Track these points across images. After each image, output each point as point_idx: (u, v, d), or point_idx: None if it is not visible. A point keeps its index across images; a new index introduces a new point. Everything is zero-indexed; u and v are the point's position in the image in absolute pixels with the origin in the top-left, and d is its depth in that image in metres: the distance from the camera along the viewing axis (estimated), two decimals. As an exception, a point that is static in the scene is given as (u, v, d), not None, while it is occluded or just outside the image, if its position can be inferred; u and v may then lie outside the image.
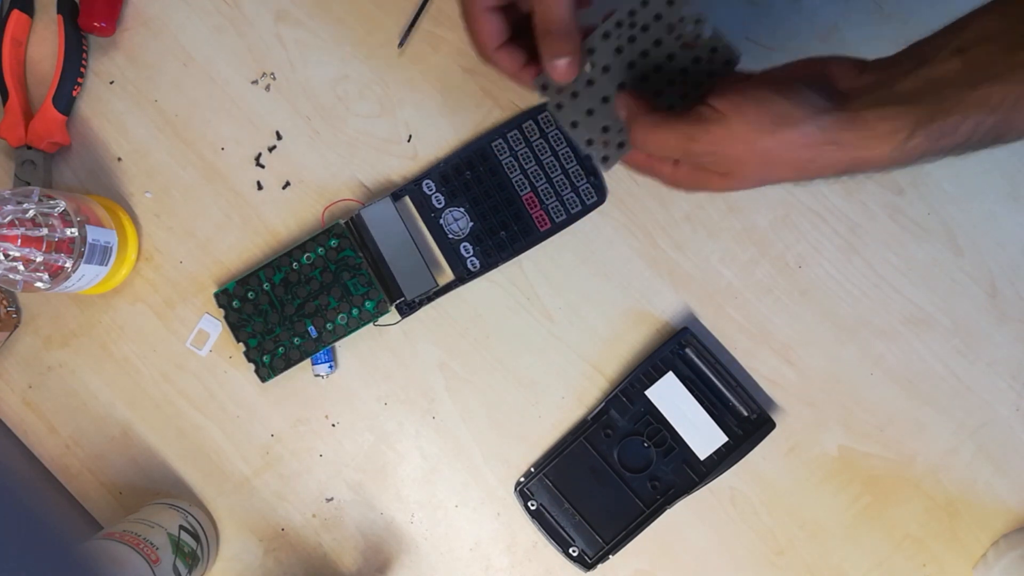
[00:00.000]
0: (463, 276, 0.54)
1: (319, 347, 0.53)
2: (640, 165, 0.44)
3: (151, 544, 0.47)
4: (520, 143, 0.53)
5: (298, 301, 0.53)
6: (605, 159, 0.44)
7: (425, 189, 0.53)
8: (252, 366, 0.53)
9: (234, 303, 0.53)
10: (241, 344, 0.53)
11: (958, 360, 0.54)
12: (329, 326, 0.53)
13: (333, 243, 0.53)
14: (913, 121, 0.35)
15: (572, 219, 0.53)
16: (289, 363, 0.53)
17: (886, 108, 0.35)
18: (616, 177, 0.54)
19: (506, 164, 0.53)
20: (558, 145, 0.53)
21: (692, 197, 0.54)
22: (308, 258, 0.53)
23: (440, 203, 0.53)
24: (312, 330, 0.53)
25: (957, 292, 0.54)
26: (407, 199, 0.54)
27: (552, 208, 0.53)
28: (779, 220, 0.54)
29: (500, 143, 0.53)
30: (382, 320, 0.53)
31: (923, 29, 0.39)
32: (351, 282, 0.53)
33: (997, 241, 0.53)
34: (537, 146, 0.53)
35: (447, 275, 0.54)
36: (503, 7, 0.42)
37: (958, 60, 0.35)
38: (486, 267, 0.53)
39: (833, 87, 0.38)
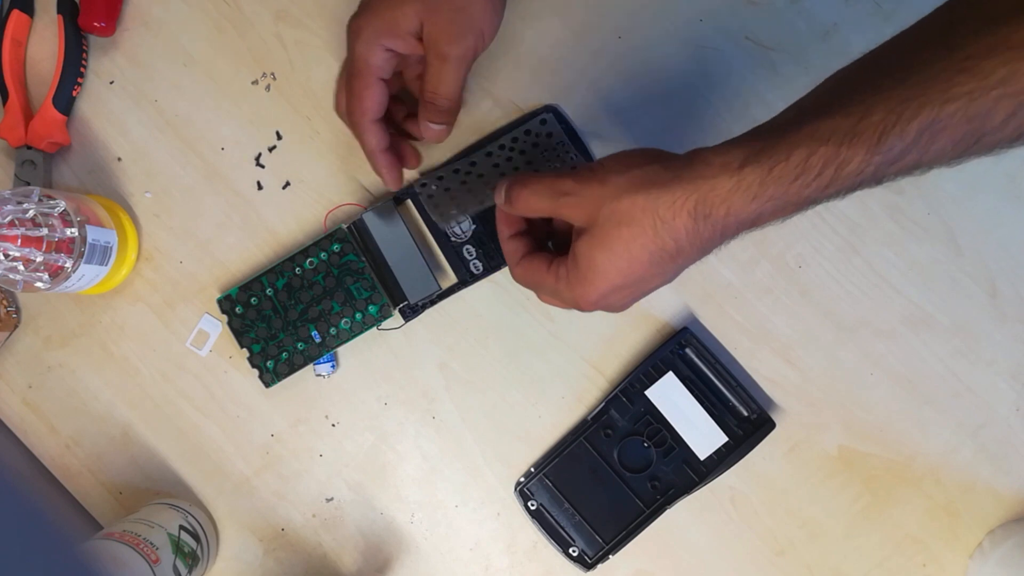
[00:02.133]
0: (466, 279, 0.54)
1: (323, 352, 0.53)
2: (527, 277, 0.46)
3: (151, 544, 0.47)
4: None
5: (301, 306, 0.53)
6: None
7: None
8: (255, 371, 0.53)
9: (237, 309, 0.53)
10: (244, 350, 0.53)
11: (958, 360, 0.54)
12: (332, 331, 0.53)
13: (336, 247, 0.53)
14: (743, 153, 0.37)
15: (572, 219, 0.53)
16: (293, 368, 0.53)
17: (721, 147, 0.38)
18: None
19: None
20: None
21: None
22: (311, 263, 0.53)
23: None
24: (315, 335, 0.53)
25: (957, 292, 0.54)
26: (409, 202, 0.54)
27: (552, 208, 0.53)
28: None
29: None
30: (385, 324, 0.53)
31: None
32: (354, 286, 0.53)
33: (997, 241, 0.53)
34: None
35: (450, 278, 0.54)
36: (387, 79, 0.48)
37: (793, 110, 0.38)
38: (489, 270, 0.53)
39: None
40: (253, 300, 0.53)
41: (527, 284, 0.46)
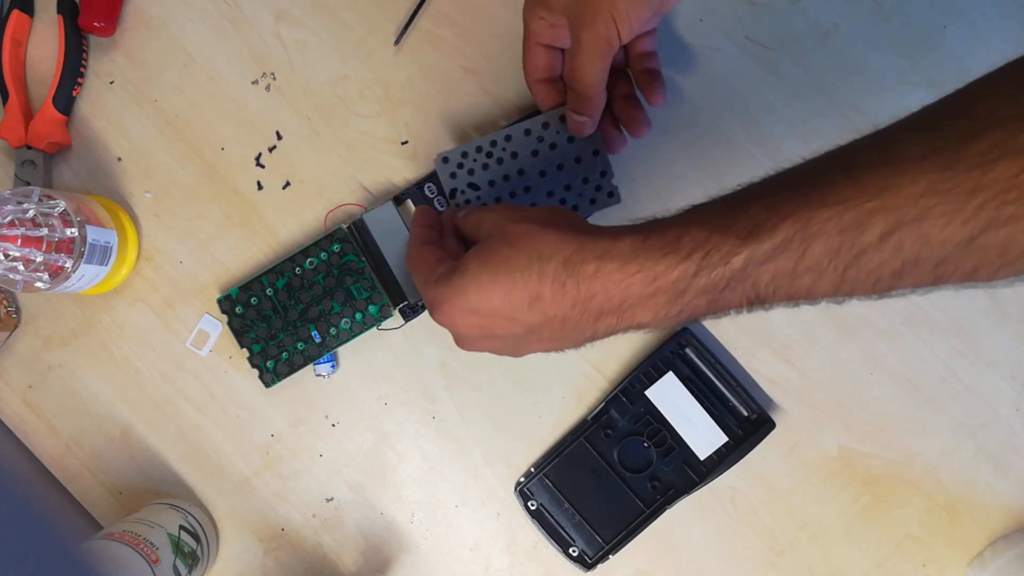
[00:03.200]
0: (464, 276, 0.53)
1: (323, 352, 0.53)
2: None
3: (151, 544, 0.47)
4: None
5: (301, 306, 0.53)
6: None
7: (427, 192, 0.53)
8: (255, 371, 0.53)
9: (237, 308, 0.53)
10: (244, 350, 0.53)
11: (958, 360, 0.54)
12: (332, 331, 0.53)
13: (336, 247, 0.53)
14: (632, 229, 0.37)
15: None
16: (293, 368, 0.53)
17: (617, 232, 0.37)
18: (617, 176, 0.54)
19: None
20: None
21: (693, 196, 0.54)
22: (311, 263, 0.53)
23: (442, 206, 0.53)
24: (316, 335, 0.53)
25: (957, 292, 0.54)
26: (409, 202, 0.54)
27: (552, 208, 0.53)
28: (779, 220, 0.54)
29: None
30: (385, 324, 0.53)
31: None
32: (354, 286, 0.53)
33: (997, 241, 0.53)
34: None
35: (447, 275, 0.54)
36: (557, 48, 0.48)
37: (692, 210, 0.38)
38: (487, 267, 0.53)
39: None
40: (253, 300, 0.53)
41: (413, 265, 0.44)
